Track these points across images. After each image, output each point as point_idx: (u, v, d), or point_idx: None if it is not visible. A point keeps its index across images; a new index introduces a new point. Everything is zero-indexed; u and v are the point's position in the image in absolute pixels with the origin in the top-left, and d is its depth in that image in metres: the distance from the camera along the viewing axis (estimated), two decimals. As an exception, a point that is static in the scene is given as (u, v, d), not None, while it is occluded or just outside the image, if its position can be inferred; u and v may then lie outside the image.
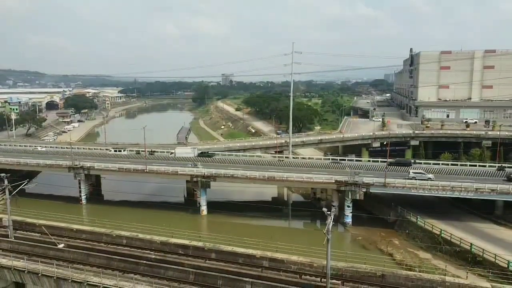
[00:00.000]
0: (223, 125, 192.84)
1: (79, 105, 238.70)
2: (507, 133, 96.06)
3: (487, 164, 79.75)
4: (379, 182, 67.91)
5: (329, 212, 32.39)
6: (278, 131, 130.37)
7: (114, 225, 52.66)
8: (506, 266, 47.15)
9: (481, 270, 46.79)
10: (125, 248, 46.04)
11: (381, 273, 37.16)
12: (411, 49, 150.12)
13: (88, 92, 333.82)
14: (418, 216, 64.31)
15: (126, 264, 40.64)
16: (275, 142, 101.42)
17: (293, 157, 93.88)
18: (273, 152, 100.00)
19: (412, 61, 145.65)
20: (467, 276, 41.37)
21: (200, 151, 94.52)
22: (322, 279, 36.66)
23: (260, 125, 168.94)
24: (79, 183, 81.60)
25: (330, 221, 31.83)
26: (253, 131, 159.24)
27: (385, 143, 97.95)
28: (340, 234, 66.91)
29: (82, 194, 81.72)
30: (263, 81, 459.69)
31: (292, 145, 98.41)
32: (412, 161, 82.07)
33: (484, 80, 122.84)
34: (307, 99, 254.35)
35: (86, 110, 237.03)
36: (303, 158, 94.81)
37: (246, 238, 46.90)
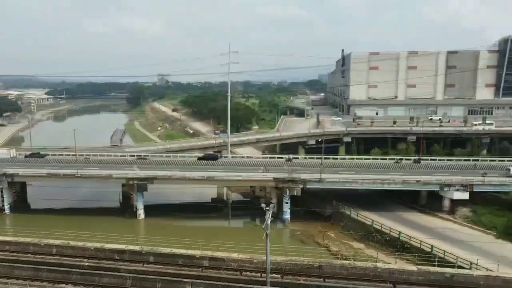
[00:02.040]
0: (160, 127, 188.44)
1: (0, 107, 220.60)
2: (429, 128, 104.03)
3: (412, 158, 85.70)
4: (315, 178, 70.24)
5: (267, 208, 32.92)
6: (217, 131, 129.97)
7: (43, 234, 49.42)
8: (430, 250, 50.90)
9: (408, 255, 50.18)
10: (55, 257, 43.42)
11: (318, 264, 38.49)
12: (342, 50, 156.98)
13: (11, 94, 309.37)
14: (352, 209, 67.44)
15: (56, 274, 38.35)
16: (214, 142, 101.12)
17: (232, 157, 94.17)
18: (212, 153, 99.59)
19: (344, 61, 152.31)
20: (396, 262, 44.18)
21: (31, 152, 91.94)
22: (262, 274, 37.18)
23: (198, 125, 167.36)
24: (1, 192, 75.49)
25: (268, 217, 32.36)
26: (191, 132, 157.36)
27: (319, 140, 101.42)
28: (279, 230, 68.28)
29: (5, 204, 75.59)
30: (201, 81, 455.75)
31: (230, 145, 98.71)
32: (218, 155, 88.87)
33: (409, 79, 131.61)
34: (245, 99, 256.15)
35: (8, 113, 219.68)
36: (242, 157, 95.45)
37: (186, 239, 46.25)
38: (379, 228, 60.47)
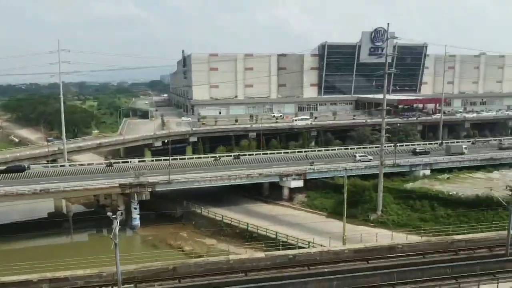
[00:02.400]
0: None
1: None
2: (267, 125, 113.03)
3: (255, 152, 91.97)
4: (164, 180, 69.26)
5: (114, 216, 31.12)
6: (49, 138, 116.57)
7: None
8: (275, 236, 55.52)
9: (257, 244, 53.79)
10: None
11: (172, 266, 38.13)
12: (183, 51, 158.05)
13: None
14: (202, 207, 68.81)
15: None
16: (47, 150, 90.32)
17: (70, 165, 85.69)
18: (45, 162, 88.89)
19: (185, 62, 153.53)
20: (246, 251, 46.84)
21: None
22: (114, 287, 34.99)
23: (26, 133, 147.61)
24: None
25: (116, 225, 30.62)
26: (17, 140, 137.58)
27: (166, 141, 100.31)
28: (129, 237, 65.26)
29: None
30: (25, 83, 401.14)
31: (67, 152, 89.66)
32: (26, 166, 79.62)
33: (246, 79, 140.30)
34: (81, 101, 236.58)
35: None
36: (81, 164, 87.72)
37: (19, 264, 40.19)
38: (229, 222, 63.18)
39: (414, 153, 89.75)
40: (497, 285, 31.91)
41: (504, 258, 36.73)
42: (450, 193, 66.80)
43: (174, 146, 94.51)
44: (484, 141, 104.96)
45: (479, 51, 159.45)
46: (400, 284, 32.77)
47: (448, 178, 76.94)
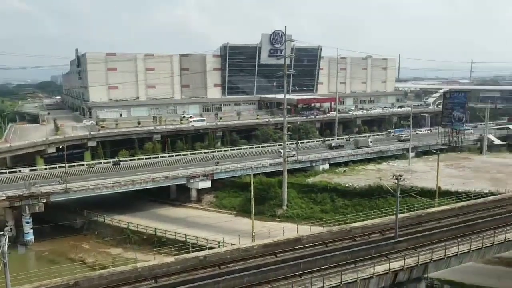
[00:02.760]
0: None
1: None
2: (171, 126, 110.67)
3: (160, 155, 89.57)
4: (60, 189, 64.01)
5: (1, 233, 28.03)
6: None
7: None
8: (184, 239, 54.72)
9: (166, 249, 52.43)
10: None
11: (74, 281, 35.38)
12: (76, 50, 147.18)
13: None
14: (106, 215, 65.05)
15: None
16: None
17: None
18: None
19: (79, 62, 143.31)
20: (155, 258, 45.38)
21: None
22: (5, 312, 31.36)
23: None
24: None
25: (5, 243, 27.58)
26: None
27: (61, 147, 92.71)
28: (21, 255, 59.03)
29: None
30: None
31: None
32: None
33: (148, 80, 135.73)
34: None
35: None
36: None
37: None
38: (136, 229, 60.69)
39: (330, 147, 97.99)
40: (389, 265, 35.42)
41: (394, 240, 40.87)
42: (347, 185, 72.39)
43: (71, 152, 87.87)
44: (387, 134, 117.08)
45: (366, 53, 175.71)
46: (307, 273, 34.55)
47: (344, 171, 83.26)
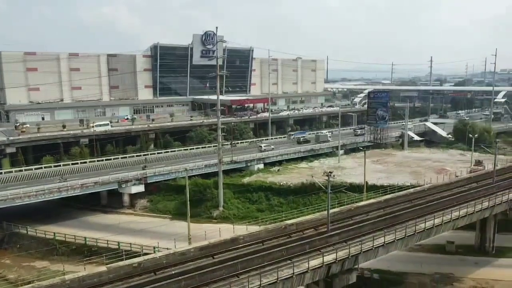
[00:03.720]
0: None
1: None
2: (100, 129, 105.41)
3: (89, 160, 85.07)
4: (-26, 200, 58.46)
5: None
6: None
7: None
8: (117, 247, 52.58)
9: (98, 258, 49.92)
10: None
11: (-7, 300, 32.57)
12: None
13: None
14: (29, 226, 60.54)
15: None
16: None
17: None
18: None
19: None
20: (85, 268, 43.11)
21: None
22: None
23: None
24: None
25: None
26: None
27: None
28: None
29: None
30: None
31: None
32: None
33: (73, 81, 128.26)
34: None
35: None
36: None
37: None
38: (63, 239, 57.17)
39: (299, 142, 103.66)
40: (323, 259, 36.87)
41: (326, 235, 42.64)
42: (281, 183, 74.14)
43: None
44: (288, 136, 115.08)
45: (296, 55, 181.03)
46: (244, 272, 34.85)
47: (278, 170, 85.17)
